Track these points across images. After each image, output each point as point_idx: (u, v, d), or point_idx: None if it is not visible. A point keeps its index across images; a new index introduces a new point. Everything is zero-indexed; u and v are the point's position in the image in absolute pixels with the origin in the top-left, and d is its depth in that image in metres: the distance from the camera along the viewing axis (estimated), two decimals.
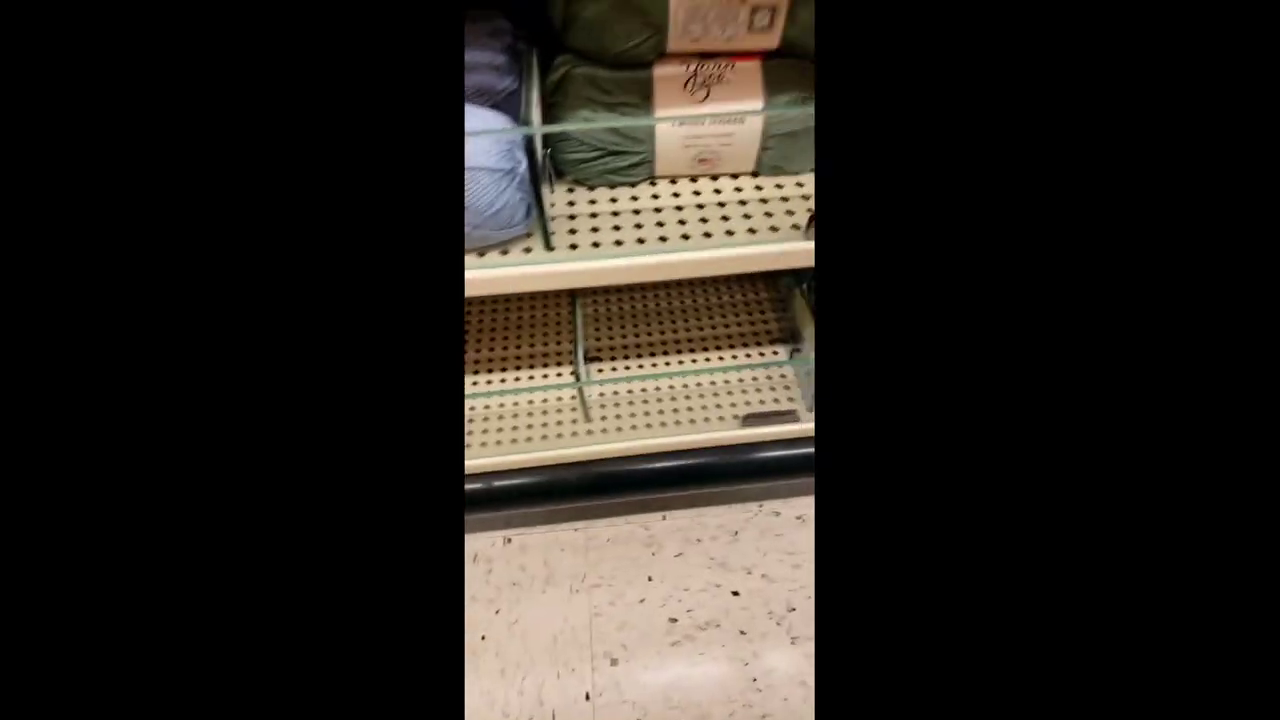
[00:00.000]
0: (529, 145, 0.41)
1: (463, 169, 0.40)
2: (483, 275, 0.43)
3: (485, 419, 0.67)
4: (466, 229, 0.41)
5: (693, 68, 0.44)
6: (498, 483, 0.66)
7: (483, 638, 0.71)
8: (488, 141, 0.39)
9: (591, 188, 0.49)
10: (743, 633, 0.71)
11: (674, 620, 0.72)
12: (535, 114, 0.42)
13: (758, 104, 0.44)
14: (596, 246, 0.45)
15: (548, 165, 0.46)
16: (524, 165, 0.41)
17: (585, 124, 0.43)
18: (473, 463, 0.64)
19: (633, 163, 0.47)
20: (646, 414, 0.68)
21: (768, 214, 0.47)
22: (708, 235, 0.45)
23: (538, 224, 0.45)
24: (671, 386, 0.70)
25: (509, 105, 0.43)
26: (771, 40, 0.43)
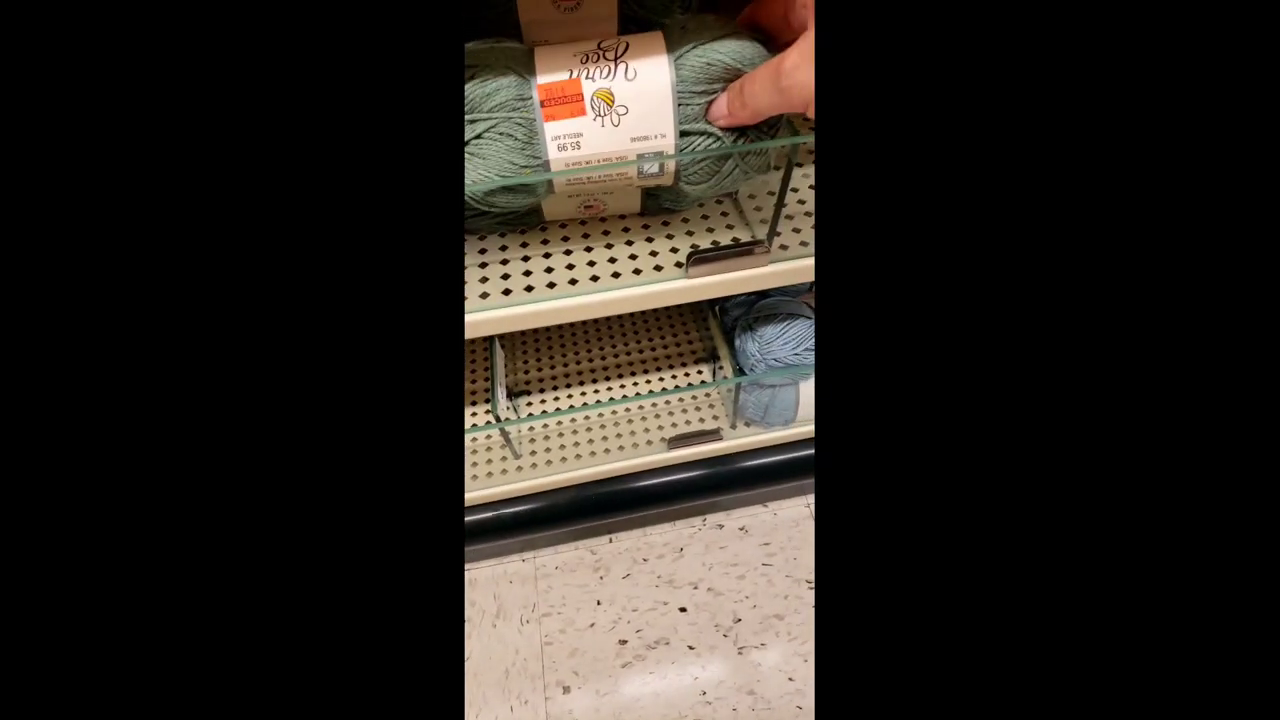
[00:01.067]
0: None
1: (462, 170, 0.41)
2: None
3: None
4: None
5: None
6: None
7: None
8: None
9: (482, 237, 0.51)
10: (691, 648, 0.73)
11: (624, 642, 0.73)
12: None
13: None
14: (485, 298, 0.46)
15: None
16: None
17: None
18: None
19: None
20: (576, 444, 0.69)
21: (653, 253, 0.48)
22: (595, 279, 0.47)
23: None
24: (601, 415, 0.71)
25: None
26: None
